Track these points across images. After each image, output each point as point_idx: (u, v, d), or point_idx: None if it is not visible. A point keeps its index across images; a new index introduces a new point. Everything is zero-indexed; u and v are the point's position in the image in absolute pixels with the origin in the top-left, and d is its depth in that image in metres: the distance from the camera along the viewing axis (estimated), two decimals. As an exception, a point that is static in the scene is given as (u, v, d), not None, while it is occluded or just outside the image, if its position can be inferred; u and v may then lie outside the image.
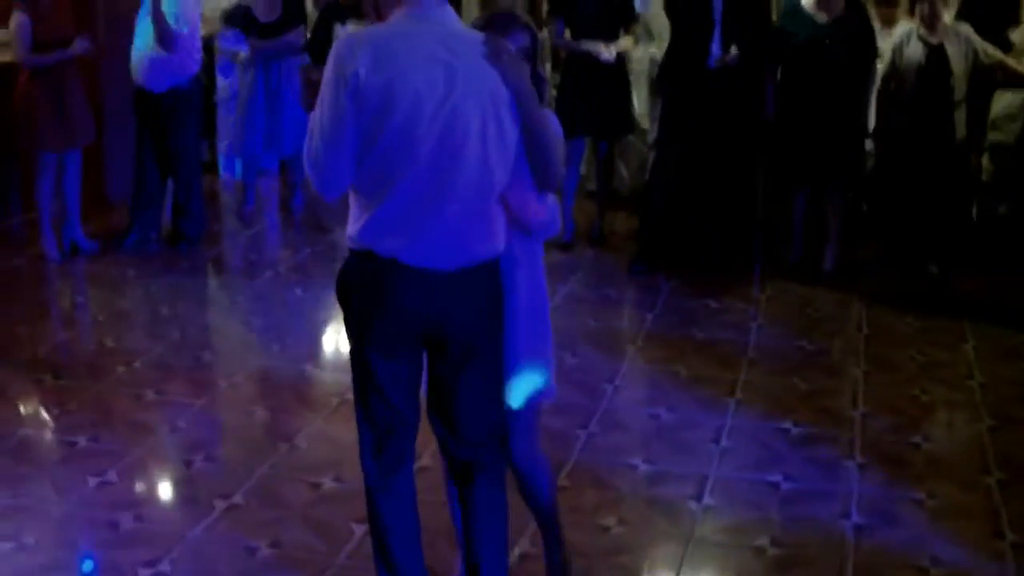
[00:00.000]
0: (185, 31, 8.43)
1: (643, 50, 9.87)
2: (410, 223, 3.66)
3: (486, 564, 4.00)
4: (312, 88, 10.40)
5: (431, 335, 3.80)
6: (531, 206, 3.79)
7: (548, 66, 9.62)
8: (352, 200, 3.79)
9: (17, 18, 8.13)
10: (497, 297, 3.85)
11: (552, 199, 3.88)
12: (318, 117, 3.65)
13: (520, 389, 3.97)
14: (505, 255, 3.84)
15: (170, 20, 8.27)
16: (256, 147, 9.71)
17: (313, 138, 3.67)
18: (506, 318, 3.90)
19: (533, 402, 4.03)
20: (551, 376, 4.06)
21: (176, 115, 8.65)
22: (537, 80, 3.79)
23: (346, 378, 6.35)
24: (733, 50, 8.08)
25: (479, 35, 3.68)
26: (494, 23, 3.89)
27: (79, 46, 8.31)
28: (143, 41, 8.45)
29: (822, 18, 8.06)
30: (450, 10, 3.77)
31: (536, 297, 3.98)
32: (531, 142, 3.68)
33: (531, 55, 3.87)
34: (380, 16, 3.90)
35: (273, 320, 7.61)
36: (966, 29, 8.27)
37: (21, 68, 8.30)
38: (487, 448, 3.98)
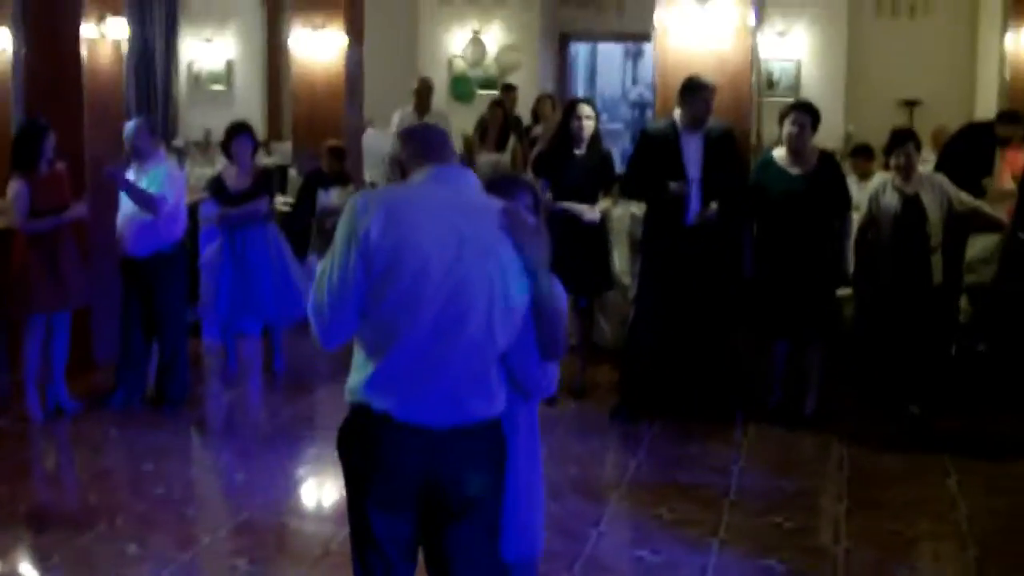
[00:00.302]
0: (171, 199, 8.60)
1: (623, 208, 10.03)
2: (408, 381, 3.70)
3: None
4: (324, 236, 10.57)
5: (430, 492, 3.78)
6: (533, 372, 3.84)
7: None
8: (355, 351, 3.84)
9: (15, 186, 8.26)
10: (498, 457, 3.85)
11: (553, 365, 3.94)
12: (327, 269, 3.71)
13: (517, 543, 3.98)
14: (506, 416, 3.86)
15: (155, 188, 8.46)
16: (223, 310, 9.80)
17: (319, 290, 3.72)
18: (507, 476, 3.91)
19: (530, 555, 4.06)
20: (542, 529, 4.12)
21: (160, 279, 8.74)
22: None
23: (328, 529, 6.42)
24: (712, 206, 8.22)
25: (497, 203, 3.76)
26: (498, 186, 3.98)
27: (76, 211, 8.45)
28: (128, 207, 8.60)
29: (795, 171, 8.21)
30: (472, 177, 3.89)
31: (534, 457, 4.03)
32: (540, 314, 3.75)
33: (535, 212, 3.97)
34: (404, 174, 3.94)
35: (255, 476, 7.58)
36: (940, 178, 8.44)
37: (18, 234, 8.40)
38: None
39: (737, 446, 7.96)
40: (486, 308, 3.66)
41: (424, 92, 12.99)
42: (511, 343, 3.76)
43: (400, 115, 13.00)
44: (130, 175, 8.60)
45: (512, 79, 16.16)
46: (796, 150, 8.22)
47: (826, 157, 8.43)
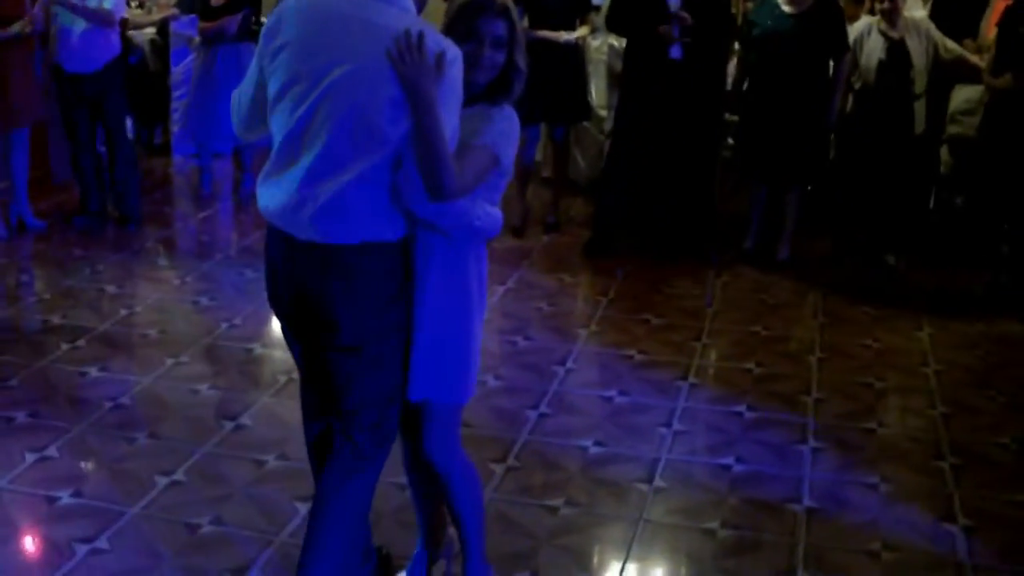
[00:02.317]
0: (123, 10, 8.62)
1: (602, 39, 9.84)
2: (275, 186, 3.62)
3: (310, 561, 3.79)
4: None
5: (301, 304, 3.68)
6: (426, 209, 3.56)
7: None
8: None
9: None
10: (378, 288, 3.64)
11: (484, 206, 3.69)
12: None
13: (423, 384, 3.80)
14: (420, 247, 3.70)
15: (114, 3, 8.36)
16: (193, 127, 9.63)
17: (242, 83, 3.81)
18: (416, 312, 3.74)
19: (447, 400, 3.87)
20: (469, 376, 3.87)
21: (107, 94, 8.63)
22: (513, 69, 3.68)
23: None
24: (684, 39, 8.01)
25: (397, 27, 3.44)
26: (468, 6, 3.68)
27: (21, 25, 8.20)
28: (65, 20, 8.39)
29: (789, 10, 8.00)
30: None
31: (451, 296, 3.77)
32: (417, 148, 3.47)
33: (506, 42, 3.66)
34: None
35: (222, 300, 7.48)
36: (927, 24, 8.26)
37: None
38: (356, 428, 3.78)
39: (711, 288, 7.91)
40: (349, 131, 3.48)
41: None
42: (385, 174, 3.53)
43: None
44: None
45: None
46: None
47: None
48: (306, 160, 3.53)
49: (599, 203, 8.75)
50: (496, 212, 3.76)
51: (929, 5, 8.79)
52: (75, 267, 8.02)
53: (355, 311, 3.62)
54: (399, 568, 4.36)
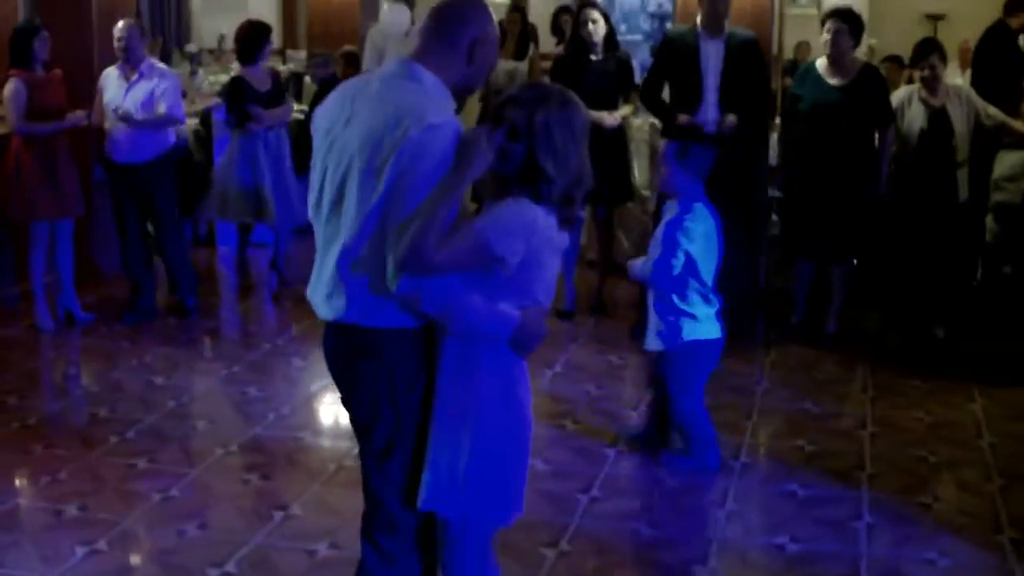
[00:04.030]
0: (182, 108, 8.74)
1: (643, 118, 9.85)
2: (313, 267, 3.72)
3: None
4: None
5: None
6: (399, 280, 3.44)
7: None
8: None
9: (13, 85, 8.14)
10: (376, 375, 3.62)
11: (490, 304, 3.52)
12: None
13: (431, 494, 3.64)
14: (439, 344, 3.62)
15: (166, 100, 8.50)
16: (237, 214, 9.68)
17: None
18: (435, 418, 3.63)
19: (454, 517, 3.69)
20: (486, 495, 3.64)
21: (157, 186, 8.69)
22: (535, 167, 3.53)
23: (343, 445, 6.31)
24: (731, 117, 8.03)
25: (405, 102, 3.50)
26: (505, 94, 3.66)
27: (75, 118, 8.32)
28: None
29: (834, 82, 8.01)
30: (422, 75, 3.60)
31: (461, 402, 3.59)
32: (391, 212, 3.43)
33: (523, 134, 3.53)
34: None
35: (270, 390, 7.47)
36: (967, 91, 8.25)
37: (14, 136, 8.30)
38: (376, 527, 3.77)
39: (759, 365, 7.86)
40: (354, 209, 3.50)
41: None
42: (378, 249, 3.48)
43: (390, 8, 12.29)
44: (119, 78, 8.50)
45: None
46: (833, 58, 8.02)
47: (868, 68, 8.23)
48: (320, 237, 3.67)
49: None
50: (505, 311, 3.53)
51: (969, 72, 8.78)
52: (123, 359, 8.03)
53: (364, 392, 3.66)
54: None
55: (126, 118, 8.38)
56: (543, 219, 3.54)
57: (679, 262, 5.85)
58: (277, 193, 9.37)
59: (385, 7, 10.85)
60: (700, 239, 5.90)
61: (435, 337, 3.62)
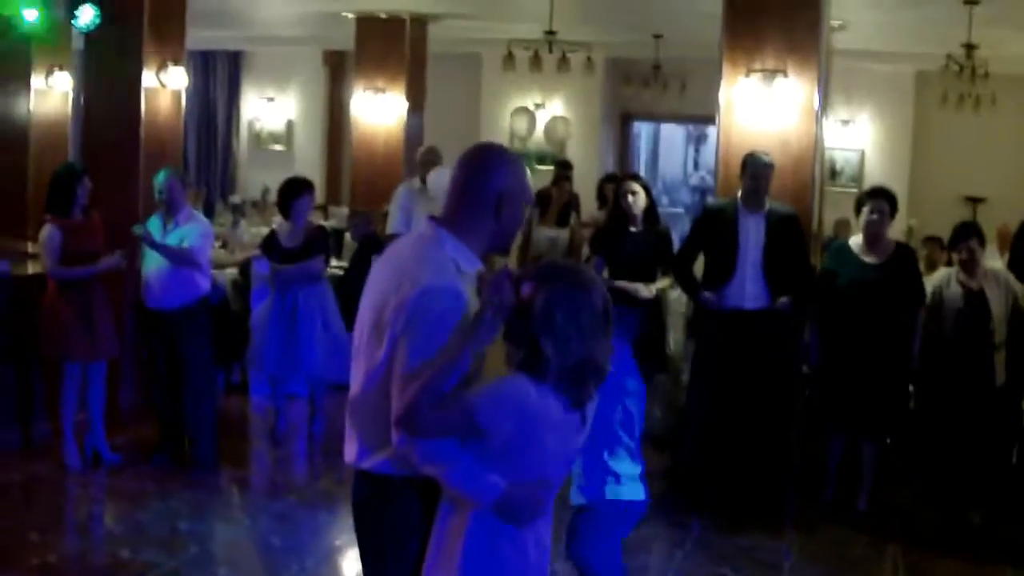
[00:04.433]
0: (207, 253, 8.81)
1: (680, 291, 9.85)
2: None
3: None
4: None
5: None
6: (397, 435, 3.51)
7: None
8: None
9: (48, 230, 8.26)
10: (366, 516, 3.76)
11: (476, 473, 3.51)
12: None
13: None
14: (441, 504, 3.61)
15: (189, 242, 8.52)
16: (270, 368, 9.67)
17: None
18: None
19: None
20: None
21: (186, 333, 8.66)
22: (536, 348, 3.50)
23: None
24: (783, 300, 8.05)
25: (415, 267, 3.58)
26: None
27: (109, 262, 8.40)
28: (153, 259, 8.54)
29: (870, 260, 8.05)
30: (440, 237, 3.67)
31: (440, 566, 3.58)
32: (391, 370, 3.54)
33: (523, 312, 3.52)
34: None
35: (294, 541, 7.40)
36: (1005, 274, 8.25)
37: (49, 279, 8.39)
38: None
39: (789, 541, 7.73)
40: (364, 365, 3.65)
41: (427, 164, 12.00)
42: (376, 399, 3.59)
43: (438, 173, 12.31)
44: (159, 226, 8.57)
45: (574, 157, 16.03)
46: (874, 238, 8.06)
47: (902, 248, 8.30)
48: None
49: (677, 454, 8.66)
50: (489, 479, 3.50)
51: (1007, 255, 8.79)
52: (148, 502, 7.99)
53: (367, 534, 3.76)
54: None
55: (150, 242, 8.42)
56: (536, 398, 3.48)
57: (617, 415, 5.66)
58: (310, 347, 9.38)
59: (435, 172, 10.93)
60: (635, 396, 5.72)
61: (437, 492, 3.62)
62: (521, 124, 18.24)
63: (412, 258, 3.64)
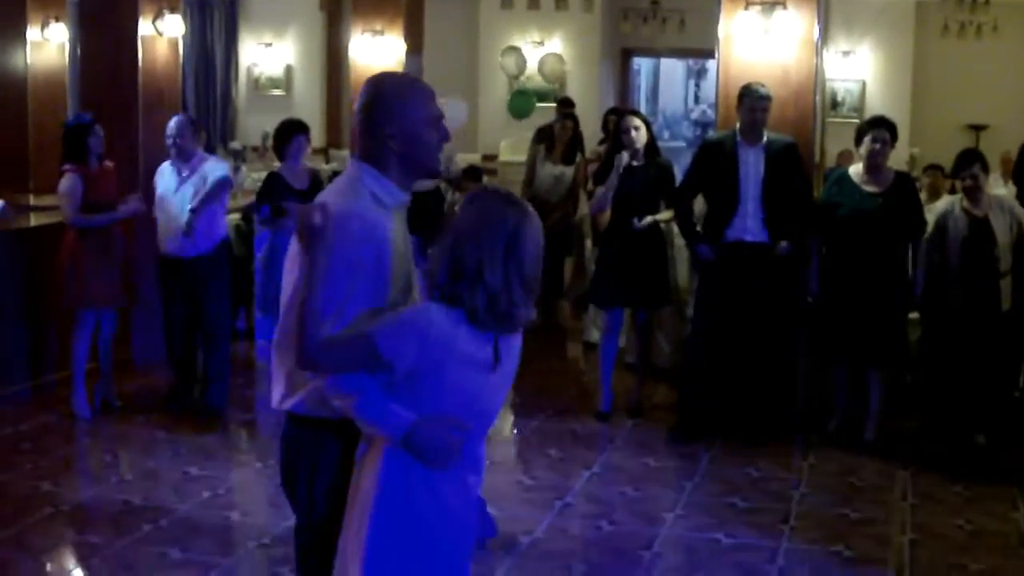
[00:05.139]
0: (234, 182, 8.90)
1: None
2: None
3: None
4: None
5: None
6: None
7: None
8: None
9: (70, 179, 8.28)
10: (293, 456, 3.77)
11: (389, 405, 3.43)
12: None
13: None
14: (359, 444, 3.57)
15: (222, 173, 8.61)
16: (274, 311, 9.65)
17: None
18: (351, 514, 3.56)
19: None
20: None
21: (205, 280, 8.64)
22: (452, 274, 3.43)
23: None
24: (783, 244, 8.05)
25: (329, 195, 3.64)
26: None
27: (128, 208, 8.41)
28: (171, 208, 8.52)
29: (871, 189, 8.03)
30: (353, 169, 3.69)
31: (355, 501, 3.53)
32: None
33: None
34: None
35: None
36: (1010, 201, 8.23)
37: (68, 228, 8.40)
38: None
39: (797, 470, 7.77)
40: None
41: None
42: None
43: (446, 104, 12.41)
44: (173, 173, 8.54)
45: (574, 94, 15.96)
46: (875, 167, 8.04)
47: (902, 177, 8.28)
48: None
49: (683, 387, 8.68)
50: (398, 412, 3.41)
51: (1006, 189, 8.77)
52: (158, 448, 8.04)
53: (290, 483, 3.80)
54: None
55: (189, 230, 8.41)
56: (445, 324, 3.40)
57: None
58: None
59: (441, 101, 10.90)
60: None
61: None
62: (516, 63, 18.10)
63: (328, 191, 3.72)
